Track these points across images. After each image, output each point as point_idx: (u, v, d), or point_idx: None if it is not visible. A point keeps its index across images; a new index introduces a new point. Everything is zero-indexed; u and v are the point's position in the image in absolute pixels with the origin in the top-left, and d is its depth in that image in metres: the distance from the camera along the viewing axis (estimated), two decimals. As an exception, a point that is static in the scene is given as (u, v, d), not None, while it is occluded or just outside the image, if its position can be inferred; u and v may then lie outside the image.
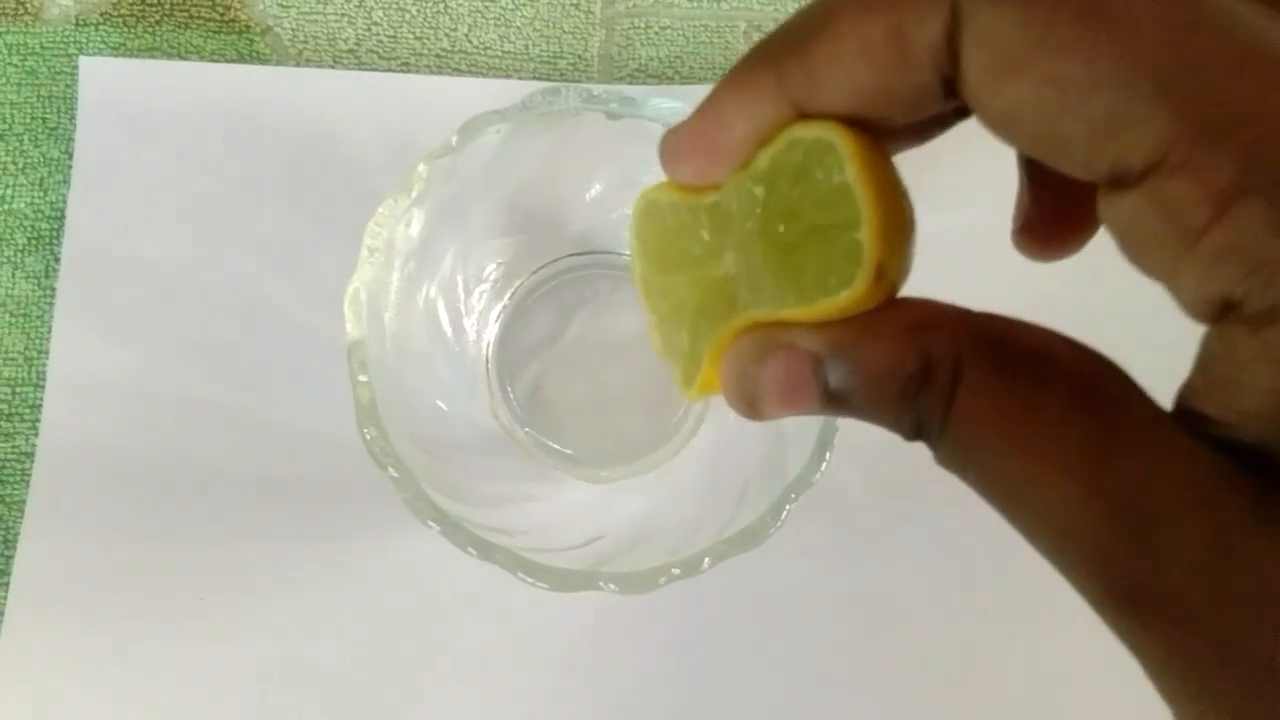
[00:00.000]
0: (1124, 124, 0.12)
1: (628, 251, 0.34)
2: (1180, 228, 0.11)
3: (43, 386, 0.34)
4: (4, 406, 0.34)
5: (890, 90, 0.14)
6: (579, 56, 0.37)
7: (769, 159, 0.15)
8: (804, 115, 0.15)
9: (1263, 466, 0.12)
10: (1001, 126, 0.13)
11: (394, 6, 0.37)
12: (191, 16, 0.36)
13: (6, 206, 0.35)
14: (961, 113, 0.14)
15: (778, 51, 0.14)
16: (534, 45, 0.37)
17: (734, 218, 0.16)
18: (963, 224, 0.31)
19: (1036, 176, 0.17)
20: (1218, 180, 0.11)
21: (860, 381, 0.14)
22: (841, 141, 0.14)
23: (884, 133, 0.15)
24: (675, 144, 0.16)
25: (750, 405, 0.16)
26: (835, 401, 0.15)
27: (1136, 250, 0.12)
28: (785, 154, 0.15)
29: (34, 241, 0.35)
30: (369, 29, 0.37)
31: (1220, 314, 0.12)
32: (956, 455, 0.14)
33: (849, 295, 0.14)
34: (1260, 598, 0.11)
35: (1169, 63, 0.11)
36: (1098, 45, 0.12)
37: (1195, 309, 0.12)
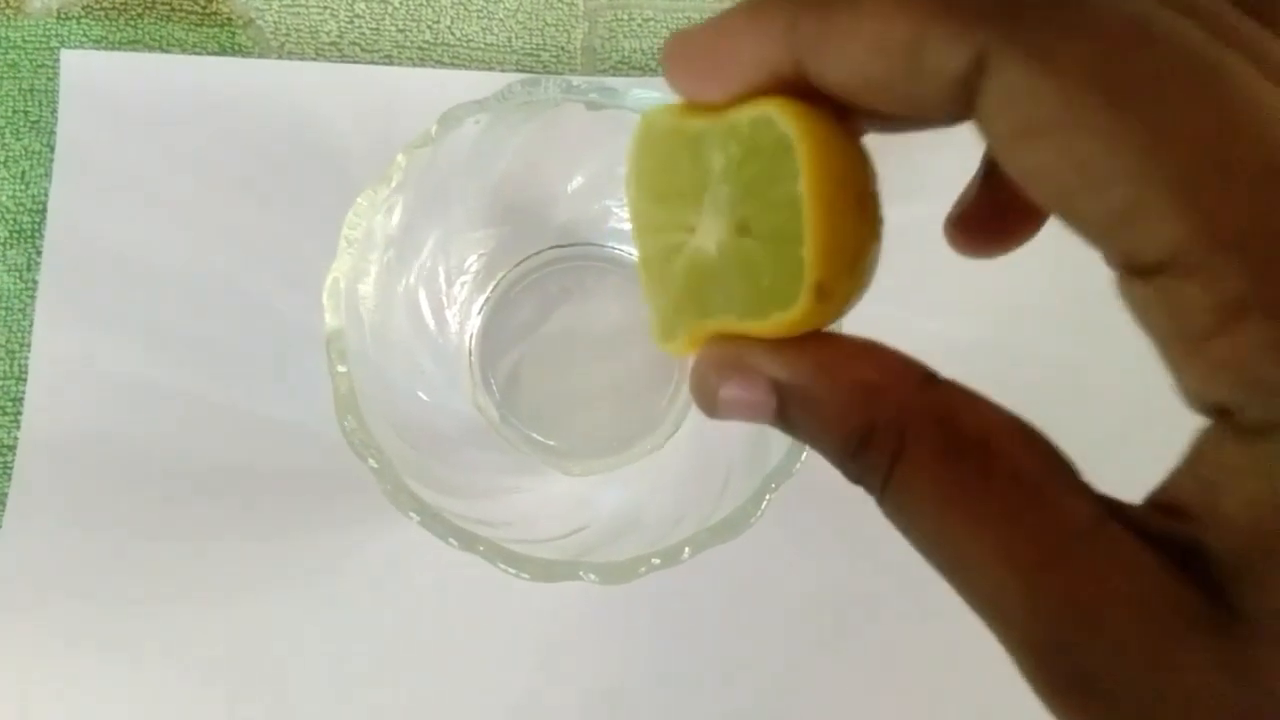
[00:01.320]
0: (1140, 218, 0.11)
1: (611, 245, 0.34)
2: (1185, 329, 0.11)
3: (25, 380, 0.34)
4: (-14, 400, 0.34)
5: (891, 90, 0.13)
6: (562, 49, 0.37)
7: (748, 121, 0.15)
8: (799, 75, 0.14)
9: (1220, 575, 0.12)
10: (1020, 180, 0.13)
11: (376, -1, 0.37)
12: (173, 9, 0.36)
13: (-12, 200, 0.35)
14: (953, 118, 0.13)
15: None
16: (516, 37, 0.37)
17: (712, 174, 0.16)
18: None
19: (995, 177, 0.16)
20: (1226, 291, 0.11)
21: (810, 421, 0.15)
22: (801, 146, 0.14)
23: (867, 114, 0.14)
24: (680, 46, 0.15)
25: (711, 410, 0.16)
26: (789, 427, 0.15)
27: (1146, 330, 0.12)
28: (760, 129, 0.15)
29: (16, 235, 0.35)
30: (351, 21, 0.37)
31: (1215, 417, 0.12)
32: (896, 516, 0.14)
33: (792, 314, 0.14)
34: (1191, 708, 0.11)
35: (1194, 162, 0.11)
36: (1124, 132, 0.11)
37: (1193, 406, 0.12)
